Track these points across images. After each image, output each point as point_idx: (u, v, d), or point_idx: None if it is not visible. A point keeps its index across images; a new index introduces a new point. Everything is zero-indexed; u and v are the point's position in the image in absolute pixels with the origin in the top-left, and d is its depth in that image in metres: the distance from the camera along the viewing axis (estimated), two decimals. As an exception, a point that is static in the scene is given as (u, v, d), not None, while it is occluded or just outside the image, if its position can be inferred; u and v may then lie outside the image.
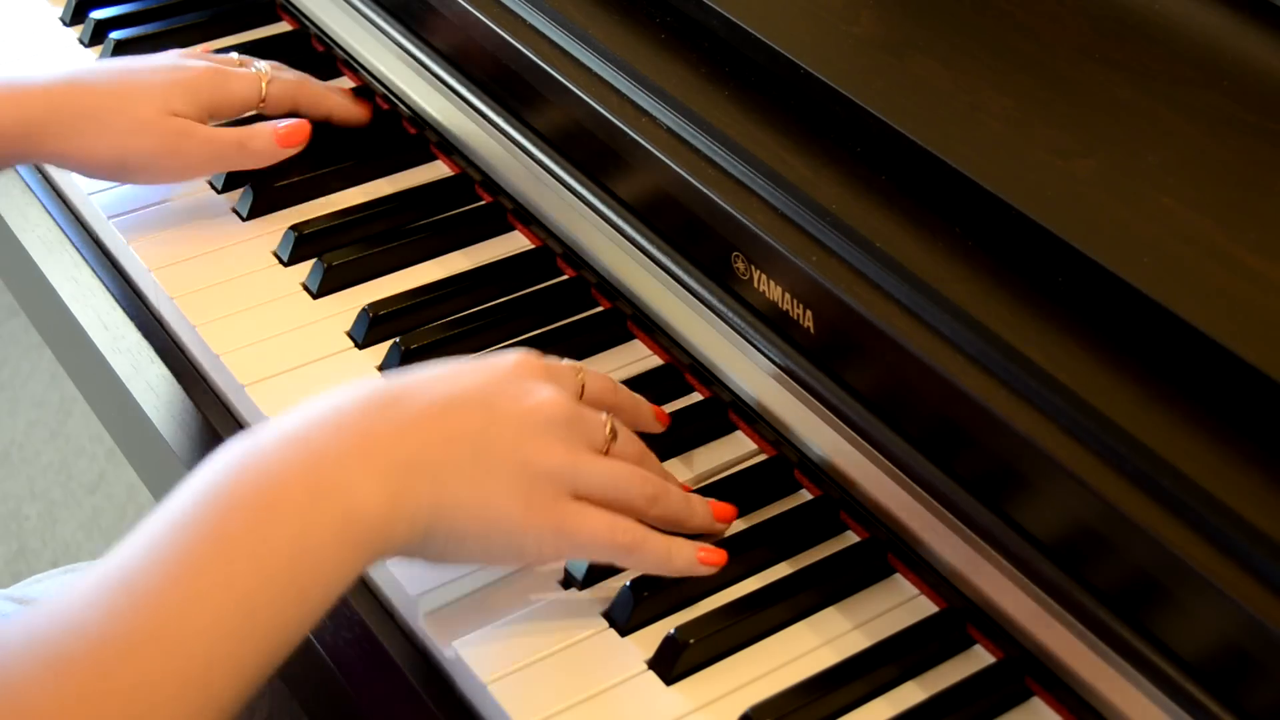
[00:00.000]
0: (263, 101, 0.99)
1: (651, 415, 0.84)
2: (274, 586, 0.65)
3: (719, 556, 0.76)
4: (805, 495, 0.82)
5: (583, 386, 0.78)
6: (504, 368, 0.75)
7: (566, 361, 0.80)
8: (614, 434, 0.77)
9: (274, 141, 0.95)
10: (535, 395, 0.74)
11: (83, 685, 0.60)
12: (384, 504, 0.68)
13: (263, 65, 1.00)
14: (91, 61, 1.12)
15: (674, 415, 0.85)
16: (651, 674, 0.74)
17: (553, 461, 0.73)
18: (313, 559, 0.66)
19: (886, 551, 0.79)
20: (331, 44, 1.11)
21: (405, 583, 0.77)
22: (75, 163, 0.95)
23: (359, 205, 1.00)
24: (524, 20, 0.92)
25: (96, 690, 0.60)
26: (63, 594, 0.63)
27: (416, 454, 0.70)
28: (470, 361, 0.75)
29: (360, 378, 0.83)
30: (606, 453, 0.76)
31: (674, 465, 0.84)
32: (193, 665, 0.62)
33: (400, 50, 1.03)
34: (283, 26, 1.16)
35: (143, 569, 0.63)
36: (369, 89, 1.08)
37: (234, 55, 1.02)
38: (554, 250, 0.96)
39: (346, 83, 1.10)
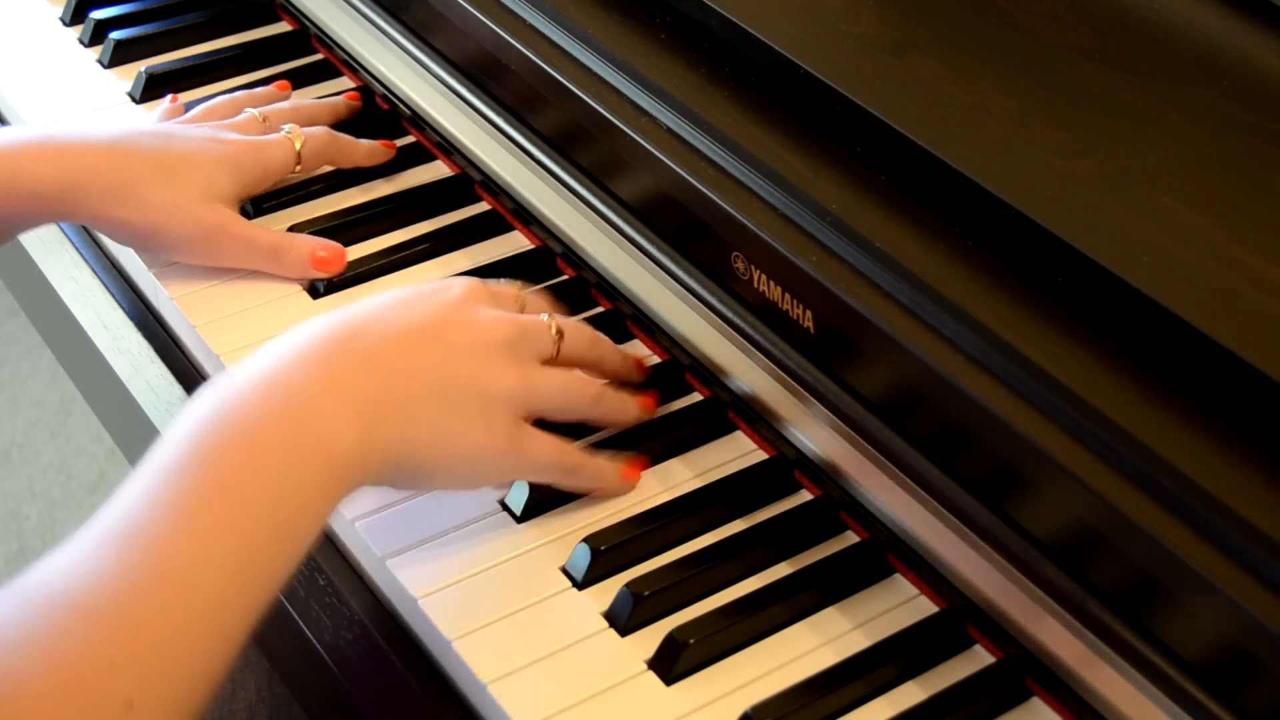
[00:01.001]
0: (299, 165, 0.98)
1: (619, 355, 0.87)
2: (270, 523, 0.67)
3: (635, 471, 0.82)
4: (805, 495, 0.82)
5: (560, 335, 0.81)
6: (451, 297, 0.78)
7: (505, 283, 0.83)
8: (560, 334, 0.81)
9: (308, 264, 0.94)
10: (484, 322, 0.78)
11: (113, 633, 0.62)
12: (358, 439, 0.71)
13: (288, 125, 0.99)
14: (93, 58, 1.13)
15: (674, 415, 0.86)
16: (651, 674, 0.74)
17: (508, 384, 0.77)
18: (300, 494, 0.69)
19: (886, 551, 0.79)
20: (332, 44, 1.11)
21: (407, 582, 0.77)
22: (109, 230, 0.93)
23: (359, 205, 1.00)
24: (524, 20, 0.92)
25: (125, 636, 0.62)
26: (59, 555, 0.64)
27: (383, 390, 0.73)
28: (418, 290, 0.78)
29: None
30: (557, 353, 0.81)
31: (674, 465, 0.84)
32: (208, 606, 0.64)
33: (400, 50, 1.03)
34: (283, 26, 1.16)
35: (148, 518, 0.65)
36: (369, 89, 1.08)
37: (255, 113, 1.00)
38: (554, 250, 0.96)
39: (346, 83, 1.10)
